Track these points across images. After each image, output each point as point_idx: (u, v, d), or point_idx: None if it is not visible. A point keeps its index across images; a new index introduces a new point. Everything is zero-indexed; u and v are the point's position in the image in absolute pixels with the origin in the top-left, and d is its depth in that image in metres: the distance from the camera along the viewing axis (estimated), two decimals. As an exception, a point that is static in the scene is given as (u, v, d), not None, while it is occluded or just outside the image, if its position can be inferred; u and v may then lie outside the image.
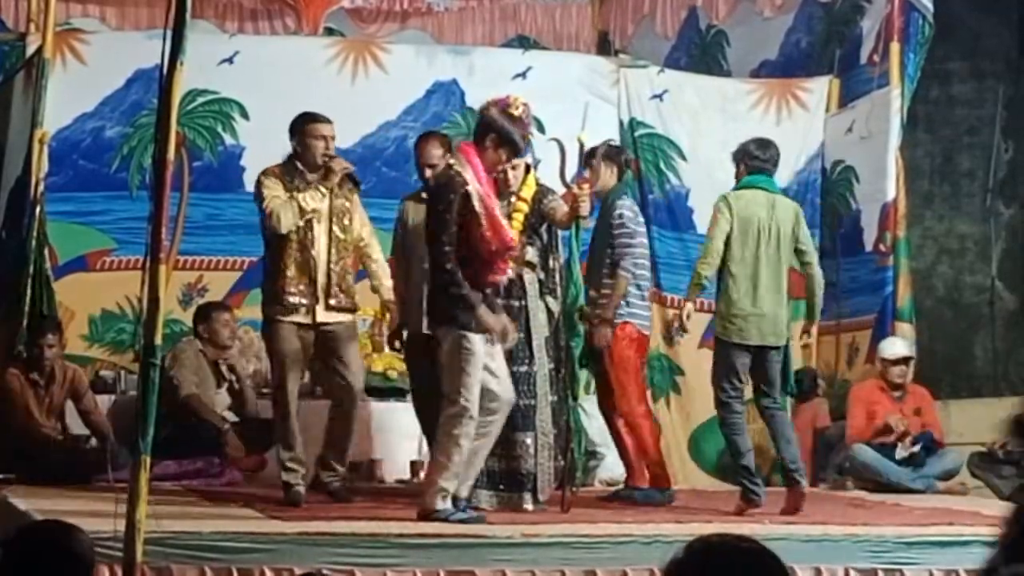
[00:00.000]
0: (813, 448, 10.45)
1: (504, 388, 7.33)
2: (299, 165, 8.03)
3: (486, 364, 7.22)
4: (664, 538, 6.55)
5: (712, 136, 10.79)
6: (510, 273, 7.58)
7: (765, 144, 8.49)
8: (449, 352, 7.19)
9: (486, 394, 7.22)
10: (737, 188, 8.37)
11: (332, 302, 7.96)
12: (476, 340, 7.13)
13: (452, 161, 7.38)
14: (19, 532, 3.96)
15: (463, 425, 7.13)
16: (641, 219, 8.79)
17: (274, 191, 7.93)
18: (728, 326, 8.17)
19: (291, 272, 7.90)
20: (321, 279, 7.94)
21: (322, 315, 7.95)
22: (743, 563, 3.01)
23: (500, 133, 7.31)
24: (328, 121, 8.12)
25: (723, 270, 8.22)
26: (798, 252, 8.42)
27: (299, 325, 7.92)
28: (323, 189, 7.98)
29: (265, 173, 8.06)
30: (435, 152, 8.35)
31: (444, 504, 7.18)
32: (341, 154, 8.39)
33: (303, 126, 8.08)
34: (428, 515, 7.14)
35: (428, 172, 8.33)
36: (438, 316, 7.30)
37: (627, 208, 8.56)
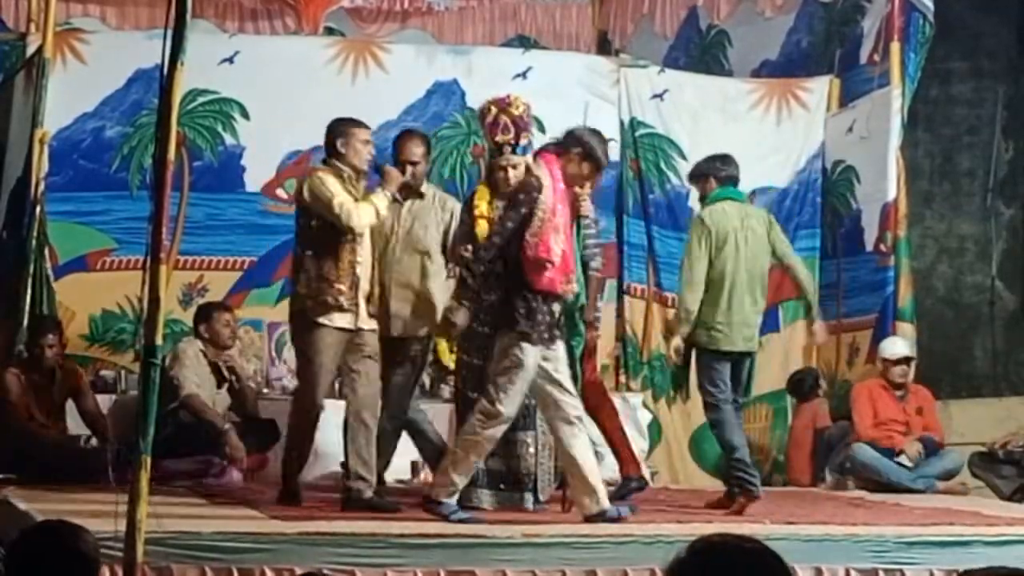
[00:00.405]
0: (813, 448, 10.46)
1: (573, 401, 7.33)
2: (343, 168, 7.88)
3: (553, 377, 7.23)
4: (665, 538, 6.55)
5: (712, 136, 10.79)
6: (574, 288, 7.55)
7: (726, 158, 8.70)
8: (499, 355, 7.19)
9: (562, 404, 7.23)
10: (710, 202, 8.50)
11: (370, 309, 7.90)
12: (529, 351, 7.13)
13: (533, 166, 7.37)
14: (26, 532, 3.96)
15: (493, 427, 7.15)
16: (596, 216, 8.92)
17: (340, 190, 7.76)
18: (714, 335, 8.30)
19: (344, 275, 7.76)
20: (365, 286, 7.84)
21: (363, 321, 7.86)
22: (745, 563, 3.01)
23: (585, 148, 7.41)
24: (369, 127, 8.08)
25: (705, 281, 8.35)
26: (777, 257, 8.60)
27: (341, 330, 7.78)
28: (388, 195, 7.89)
29: (323, 171, 7.85)
30: (417, 150, 8.31)
31: (450, 500, 7.20)
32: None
33: (349, 129, 7.91)
34: (432, 505, 7.16)
35: (408, 169, 8.27)
36: (497, 319, 7.26)
37: (589, 208, 8.60)
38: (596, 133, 7.59)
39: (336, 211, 7.67)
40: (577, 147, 7.41)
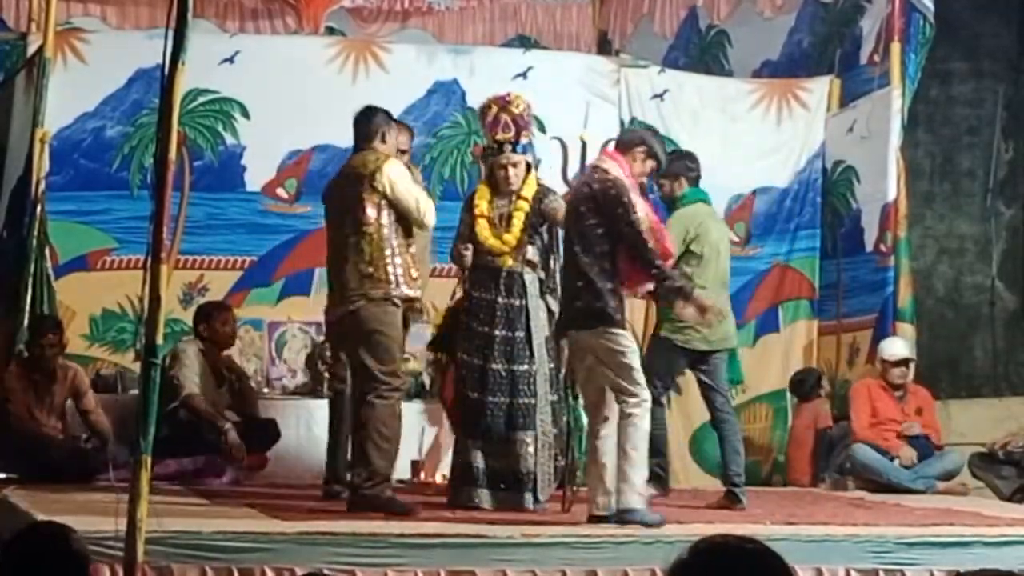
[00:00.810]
0: (814, 448, 10.46)
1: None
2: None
3: None
4: (665, 538, 6.56)
5: (712, 136, 10.80)
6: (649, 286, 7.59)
7: (692, 156, 8.80)
8: (608, 352, 7.15)
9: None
10: (685, 203, 8.58)
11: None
12: (627, 334, 7.22)
13: (604, 164, 7.37)
14: (20, 533, 3.97)
15: (648, 413, 7.17)
16: None
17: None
18: (694, 334, 8.42)
19: (418, 266, 7.72)
20: None
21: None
22: (747, 564, 3.02)
23: (650, 148, 7.49)
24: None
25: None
26: None
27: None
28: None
29: (396, 161, 7.69)
30: (403, 139, 8.28)
31: (642, 504, 7.15)
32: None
33: (392, 123, 7.84)
34: (626, 514, 7.06)
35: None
36: (591, 318, 7.18)
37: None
38: (656, 133, 7.77)
39: (422, 208, 7.60)
40: (641, 145, 7.47)
